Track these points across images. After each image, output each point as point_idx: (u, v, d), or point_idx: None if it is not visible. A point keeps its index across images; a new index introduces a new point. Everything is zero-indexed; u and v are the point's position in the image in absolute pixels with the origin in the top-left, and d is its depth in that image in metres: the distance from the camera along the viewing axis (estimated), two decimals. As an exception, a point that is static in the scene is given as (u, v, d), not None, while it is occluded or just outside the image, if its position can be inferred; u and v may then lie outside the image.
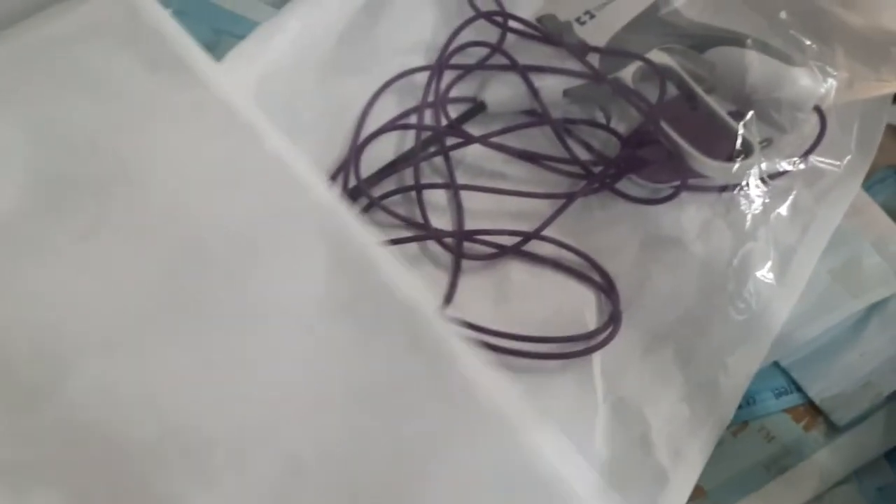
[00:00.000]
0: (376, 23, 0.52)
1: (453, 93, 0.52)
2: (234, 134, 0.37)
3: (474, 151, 0.50)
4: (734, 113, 0.48)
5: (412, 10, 0.53)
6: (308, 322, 0.33)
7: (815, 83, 0.49)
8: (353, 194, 0.48)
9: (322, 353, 0.32)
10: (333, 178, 0.49)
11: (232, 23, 0.53)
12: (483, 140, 0.49)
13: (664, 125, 0.47)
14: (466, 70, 0.52)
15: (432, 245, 0.48)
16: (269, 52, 0.50)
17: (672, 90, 0.50)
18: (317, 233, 0.35)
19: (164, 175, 0.35)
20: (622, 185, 0.49)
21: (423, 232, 0.48)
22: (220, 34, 0.52)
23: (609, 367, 0.44)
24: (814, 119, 0.49)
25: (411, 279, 0.33)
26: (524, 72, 0.50)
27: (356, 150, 0.50)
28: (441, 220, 0.48)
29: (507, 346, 0.44)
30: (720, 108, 0.48)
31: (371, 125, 0.51)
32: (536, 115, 0.51)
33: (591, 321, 0.46)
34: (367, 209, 0.48)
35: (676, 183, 0.48)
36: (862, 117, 0.50)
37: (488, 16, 0.53)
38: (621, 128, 0.50)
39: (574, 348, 0.44)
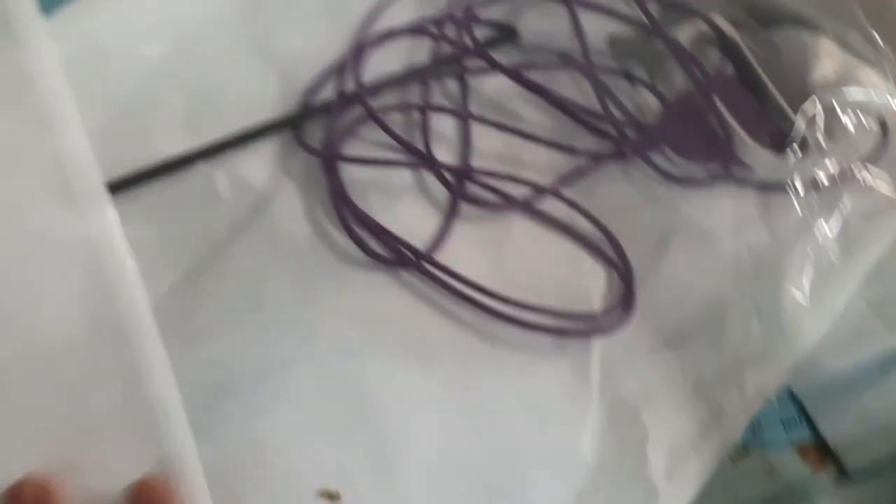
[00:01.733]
0: None
1: (483, 13, 0.45)
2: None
3: (494, 84, 0.43)
4: (791, 104, 0.43)
5: None
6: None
7: (887, 88, 0.43)
8: (347, 100, 0.41)
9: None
10: (324, 79, 0.41)
11: None
12: (509, 72, 0.42)
13: (716, 99, 0.41)
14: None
15: (430, 178, 0.40)
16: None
17: (727, 65, 0.44)
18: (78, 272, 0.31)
19: None
20: (655, 158, 0.42)
21: (422, 160, 0.40)
22: None
23: (610, 358, 0.37)
24: (876, 129, 0.44)
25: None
26: (570, 3, 0.44)
27: (358, 49, 0.42)
28: (443, 153, 0.41)
29: (497, 309, 0.37)
30: (779, 94, 0.42)
31: (381, 28, 0.43)
32: (572, 58, 0.44)
33: (596, 301, 0.39)
34: (361, 120, 0.41)
35: (716, 166, 0.42)
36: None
37: None
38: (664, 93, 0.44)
39: (574, 326, 0.38)
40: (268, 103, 0.40)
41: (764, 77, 0.42)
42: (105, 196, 0.31)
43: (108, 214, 0.31)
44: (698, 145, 0.42)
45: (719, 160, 0.42)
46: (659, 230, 0.41)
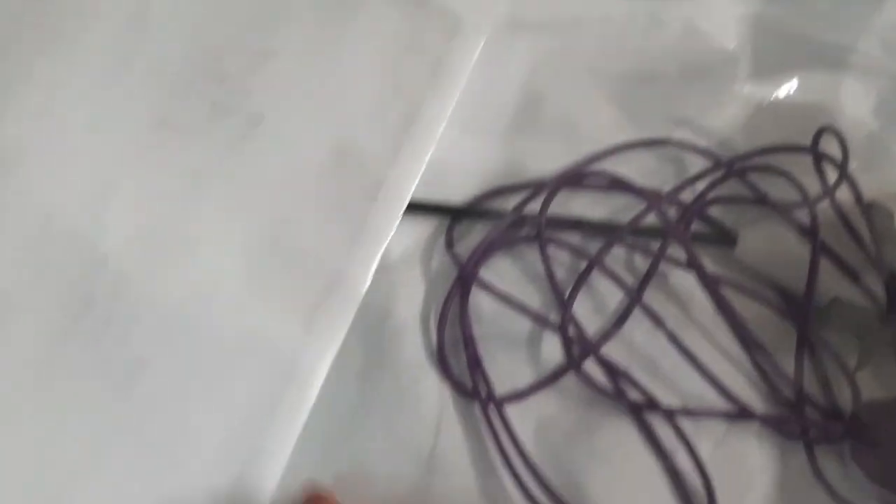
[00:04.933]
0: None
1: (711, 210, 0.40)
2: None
3: (683, 280, 0.38)
4: None
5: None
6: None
7: None
8: (523, 220, 0.39)
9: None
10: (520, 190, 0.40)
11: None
12: (707, 280, 0.37)
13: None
14: (757, 194, 0.40)
15: (548, 336, 0.37)
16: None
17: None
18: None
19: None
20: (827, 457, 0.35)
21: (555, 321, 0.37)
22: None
23: None
24: None
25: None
26: (818, 247, 0.37)
27: (565, 178, 0.40)
28: (588, 311, 0.38)
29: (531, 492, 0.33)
30: None
31: (604, 167, 0.41)
32: (784, 297, 0.38)
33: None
34: (524, 240, 0.39)
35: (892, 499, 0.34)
36: None
37: (822, 156, 0.39)
38: (871, 388, 0.36)
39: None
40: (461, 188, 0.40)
41: None
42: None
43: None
44: (885, 466, 0.34)
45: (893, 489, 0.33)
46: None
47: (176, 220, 0.35)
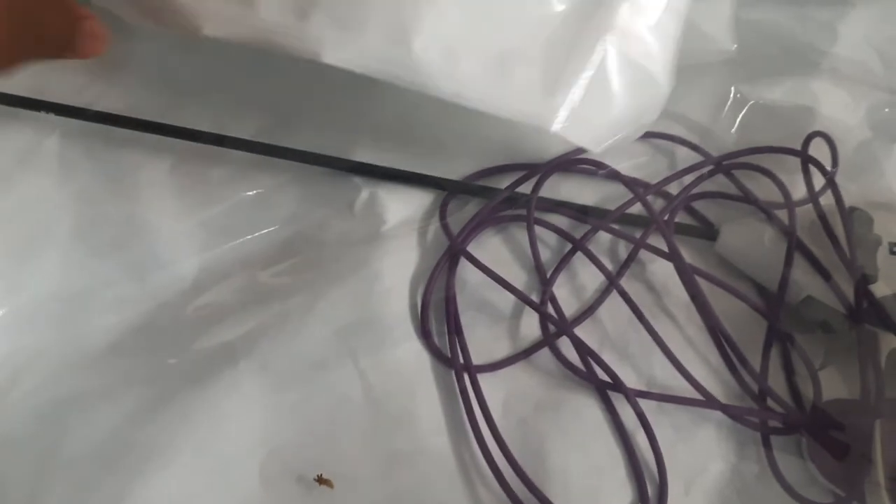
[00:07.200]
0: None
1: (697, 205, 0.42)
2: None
3: (662, 269, 0.40)
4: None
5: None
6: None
7: None
8: (514, 200, 0.41)
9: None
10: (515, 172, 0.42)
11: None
12: (684, 271, 0.38)
13: (877, 428, 0.34)
14: (741, 192, 0.41)
15: (527, 314, 0.39)
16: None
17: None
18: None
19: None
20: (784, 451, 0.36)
21: (538, 297, 0.39)
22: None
23: None
24: None
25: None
26: (793, 246, 0.38)
27: (556, 165, 0.41)
28: (567, 292, 0.39)
29: (496, 463, 0.35)
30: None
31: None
32: (758, 293, 0.40)
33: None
34: (512, 219, 0.41)
35: (841, 495, 0.35)
36: None
37: (811, 161, 0.40)
38: (833, 387, 0.37)
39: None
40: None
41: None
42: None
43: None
44: (836, 465, 0.36)
45: (848, 491, 0.35)
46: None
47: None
